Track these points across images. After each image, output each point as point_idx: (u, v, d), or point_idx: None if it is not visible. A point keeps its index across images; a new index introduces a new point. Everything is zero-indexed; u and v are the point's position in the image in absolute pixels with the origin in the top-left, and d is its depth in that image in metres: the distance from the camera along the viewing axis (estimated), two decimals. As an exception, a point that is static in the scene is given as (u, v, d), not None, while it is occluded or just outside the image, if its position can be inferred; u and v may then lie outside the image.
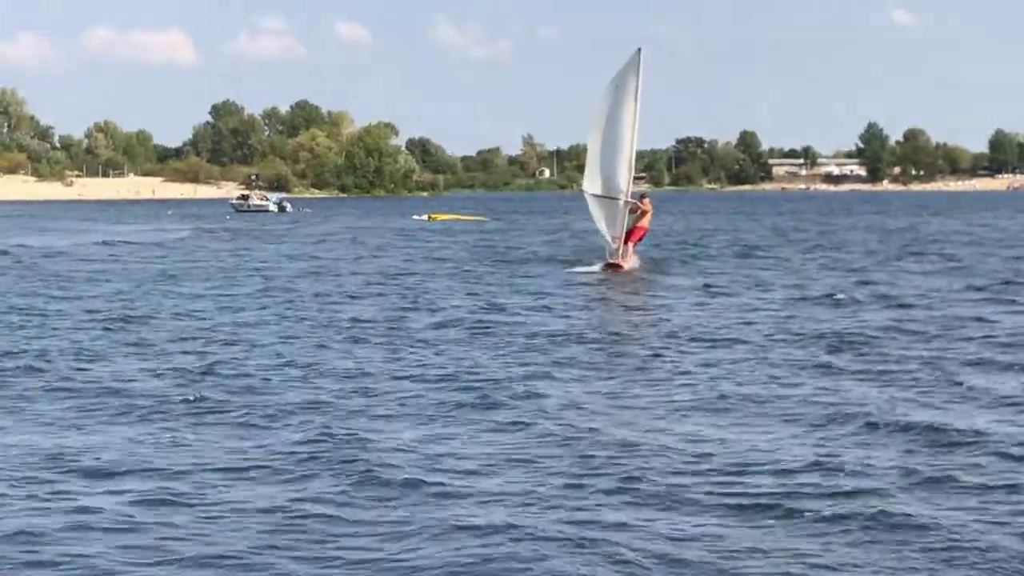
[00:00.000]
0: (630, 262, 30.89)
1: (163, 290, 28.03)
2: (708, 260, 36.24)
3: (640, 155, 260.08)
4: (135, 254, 43.15)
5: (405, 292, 26.88)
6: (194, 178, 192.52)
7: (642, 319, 21.98)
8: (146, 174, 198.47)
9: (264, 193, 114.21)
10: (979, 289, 25.83)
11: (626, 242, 30.89)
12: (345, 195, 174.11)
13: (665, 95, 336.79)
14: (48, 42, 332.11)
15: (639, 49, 30.91)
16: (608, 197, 31.20)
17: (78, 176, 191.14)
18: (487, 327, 20.10)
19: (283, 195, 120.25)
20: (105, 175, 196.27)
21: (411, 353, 17.15)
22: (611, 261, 30.63)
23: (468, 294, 26.27)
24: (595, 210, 31.80)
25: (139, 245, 49.38)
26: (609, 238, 31.34)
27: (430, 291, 27.15)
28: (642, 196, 32.16)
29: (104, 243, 50.42)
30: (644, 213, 31.19)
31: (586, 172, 32.61)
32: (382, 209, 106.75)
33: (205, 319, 21.92)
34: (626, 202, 30.87)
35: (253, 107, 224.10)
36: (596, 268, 31.18)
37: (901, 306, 22.62)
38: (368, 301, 24.95)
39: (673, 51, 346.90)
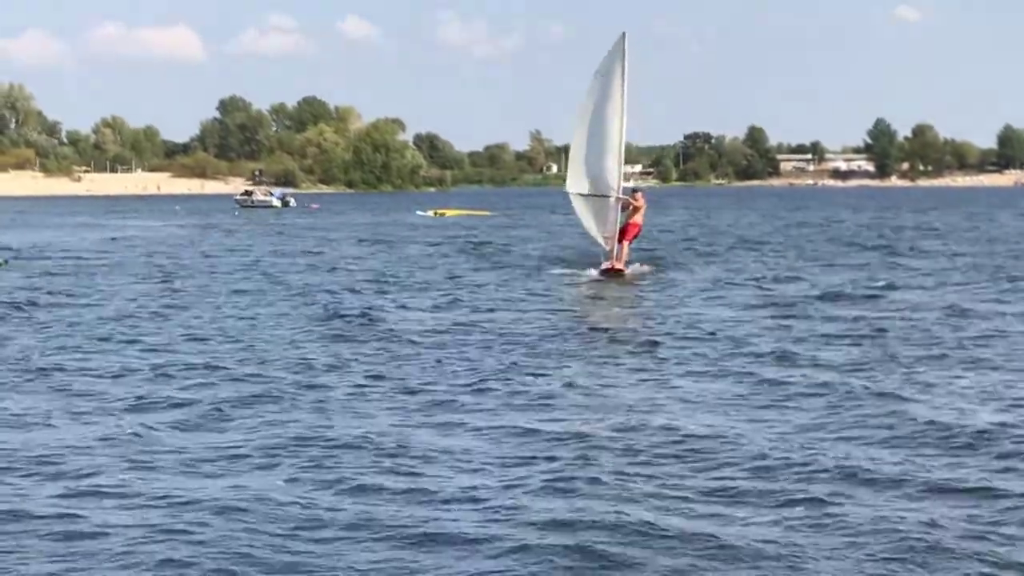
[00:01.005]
0: (625, 262, 28.53)
1: (67, 283, 27.63)
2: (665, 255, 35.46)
3: (647, 151, 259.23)
4: (89, 250, 41.77)
5: (314, 288, 26.14)
6: (201, 173, 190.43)
7: (540, 315, 20.83)
8: (153, 169, 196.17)
9: (268, 189, 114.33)
10: (894, 288, 25.00)
11: (620, 241, 28.47)
12: (352, 191, 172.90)
13: (672, 90, 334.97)
14: (55, 39, 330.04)
15: (623, 34, 28.03)
16: (598, 195, 28.51)
17: (86, 172, 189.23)
18: (371, 325, 19.12)
19: (286, 190, 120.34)
20: (113, 170, 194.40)
21: (253, 351, 16.56)
22: (609, 266, 28.14)
23: (380, 291, 25.25)
24: (582, 211, 29.04)
25: (102, 240, 48.16)
26: (600, 239, 28.80)
27: (343, 287, 26.28)
28: (634, 191, 29.49)
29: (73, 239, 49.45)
30: (636, 209, 28.46)
31: (570, 171, 29.40)
32: (388, 205, 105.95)
33: (70, 314, 21.31)
34: (617, 199, 28.35)
35: (260, 103, 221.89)
36: (582, 273, 28.95)
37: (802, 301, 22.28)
38: (267, 295, 24.42)
39: (680, 47, 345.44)
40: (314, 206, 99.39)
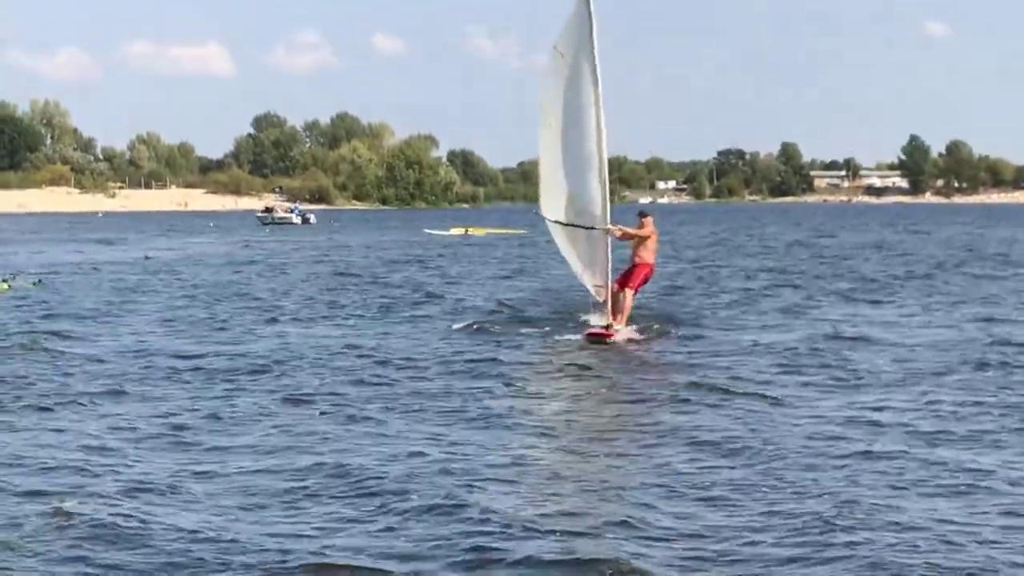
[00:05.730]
0: (623, 325, 18.28)
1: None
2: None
3: (681, 167, 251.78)
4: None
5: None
6: (236, 190, 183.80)
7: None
8: (188, 186, 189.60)
9: (288, 205, 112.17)
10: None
11: (623, 287, 18.56)
12: (386, 207, 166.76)
13: (706, 107, 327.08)
14: (88, 56, 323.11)
15: None
16: (577, 226, 18.73)
17: (121, 188, 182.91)
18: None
19: (303, 207, 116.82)
20: (148, 187, 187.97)
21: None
22: (595, 331, 18.01)
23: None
24: (563, 246, 19.41)
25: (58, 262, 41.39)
26: (590, 287, 19.06)
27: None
28: (641, 214, 19.36)
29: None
30: (643, 240, 18.74)
31: (542, 189, 19.29)
32: (407, 222, 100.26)
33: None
34: (606, 230, 18.33)
35: (293, 119, 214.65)
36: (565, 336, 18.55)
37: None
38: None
39: (712, 63, 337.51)
40: (335, 224, 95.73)
